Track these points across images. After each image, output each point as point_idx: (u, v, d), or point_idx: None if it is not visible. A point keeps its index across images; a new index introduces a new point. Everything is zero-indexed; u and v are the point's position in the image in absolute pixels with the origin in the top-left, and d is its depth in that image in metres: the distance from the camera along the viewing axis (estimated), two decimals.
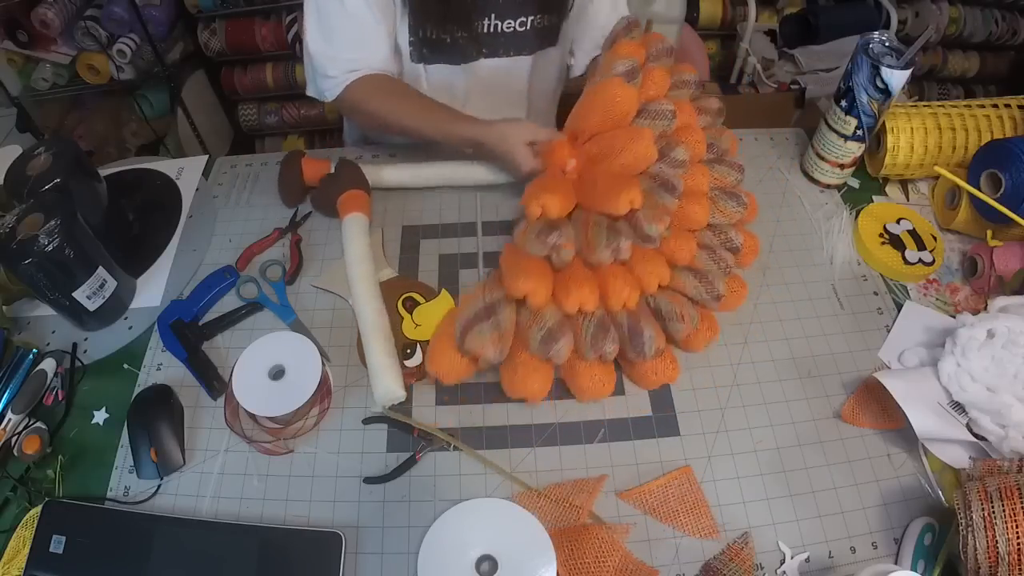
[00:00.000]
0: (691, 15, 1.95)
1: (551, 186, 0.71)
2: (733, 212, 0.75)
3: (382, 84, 0.86)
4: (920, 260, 0.80)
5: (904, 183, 0.91)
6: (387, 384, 0.66)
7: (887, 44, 0.78)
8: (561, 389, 0.69)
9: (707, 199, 0.74)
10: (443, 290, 0.76)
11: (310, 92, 0.90)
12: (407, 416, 0.68)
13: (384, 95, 0.85)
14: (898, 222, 0.84)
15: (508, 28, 0.88)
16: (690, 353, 0.72)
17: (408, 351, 0.71)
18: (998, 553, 0.52)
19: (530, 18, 0.88)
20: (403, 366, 0.70)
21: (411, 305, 0.75)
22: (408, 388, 0.70)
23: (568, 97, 0.97)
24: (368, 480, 0.64)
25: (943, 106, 0.87)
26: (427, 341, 0.71)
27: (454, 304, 0.75)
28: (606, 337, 0.64)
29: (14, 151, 0.84)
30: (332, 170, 0.86)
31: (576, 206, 0.73)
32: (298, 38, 1.99)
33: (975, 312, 0.71)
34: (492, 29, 0.88)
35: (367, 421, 0.68)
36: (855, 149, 0.84)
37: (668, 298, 0.69)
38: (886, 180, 0.91)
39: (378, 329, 0.70)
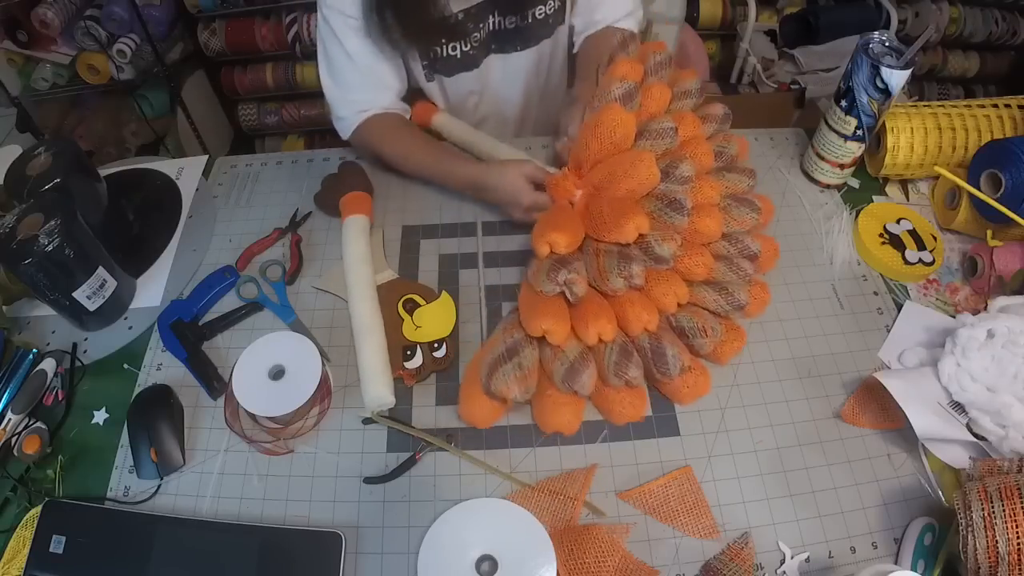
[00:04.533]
0: (691, 15, 1.95)
1: (558, 222, 0.70)
2: (748, 219, 0.74)
3: (389, 124, 0.88)
4: (920, 260, 0.80)
5: (904, 183, 0.91)
6: (376, 391, 0.66)
7: (887, 44, 0.78)
8: None
9: (718, 211, 0.73)
10: (443, 292, 0.76)
11: (336, 129, 0.92)
12: (405, 420, 0.68)
13: (391, 136, 0.88)
14: (898, 222, 0.84)
15: (511, 24, 0.89)
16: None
17: (408, 352, 0.71)
18: (998, 553, 0.52)
19: (531, 11, 0.88)
20: (403, 367, 0.70)
21: (411, 307, 0.75)
22: (409, 389, 0.70)
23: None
24: (368, 480, 0.64)
25: (943, 106, 0.87)
26: (427, 343, 0.71)
27: (454, 306, 0.75)
28: (629, 363, 0.64)
29: (14, 151, 0.85)
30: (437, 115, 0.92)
31: (586, 237, 0.72)
32: (298, 38, 1.99)
33: (975, 312, 0.71)
34: (497, 27, 0.89)
35: (367, 422, 0.68)
36: (855, 149, 0.84)
37: (690, 314, 0.69)
38: (886, 180, 0.91)
39: (370, 335, 0.70)
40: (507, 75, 0.96)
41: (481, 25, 0.87)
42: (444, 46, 0.88)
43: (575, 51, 0.99)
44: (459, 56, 0.89)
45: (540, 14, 0.89)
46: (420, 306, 0.75)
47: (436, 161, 0.85)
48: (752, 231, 0.76)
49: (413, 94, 0.97)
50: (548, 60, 0.98)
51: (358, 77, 0.85)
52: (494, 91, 0.98)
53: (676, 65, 0.86)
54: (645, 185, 0.71)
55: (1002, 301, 0.69)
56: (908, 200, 0.90)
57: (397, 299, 0.75)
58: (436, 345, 0.71)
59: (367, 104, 0.87)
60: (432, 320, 0.73)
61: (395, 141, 0.87)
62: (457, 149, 0.87)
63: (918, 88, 2.20)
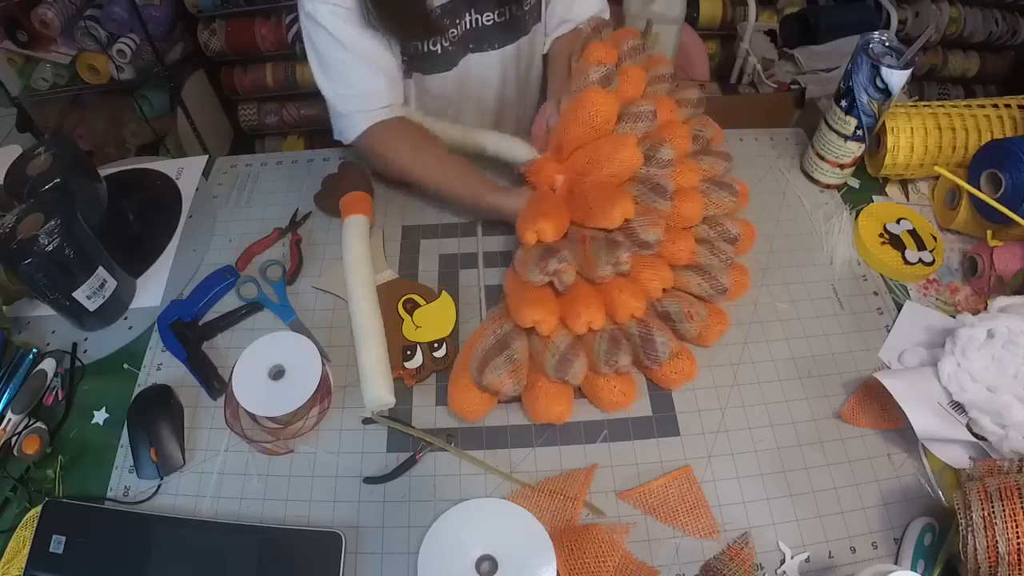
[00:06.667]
0: (691, 15, 1.95)
1: (544, 210, 0.70)
2: (727, 203, 0.75)
3: (407, 132, 0.84)
4: (920, 260, 0.80)
5: (904, 183, 0.91)
6: (376, 391, 0.66)
7: (887, 44, 0.78)
8: None
9: (699, 194, 0.74)
10: (443, 292, 0.76)
11: (336, 136, 0.88)
12: (405, 420, 0.68)
13: (410, 147, 0.83)
14: (898, 222, 0.84)
15: (488, 21, 0.88)
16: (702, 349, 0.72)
17: (408, 352, 0.71)
18: (998, 553, 0.52)
19: (508, 7, 0.88)
20: (403, 367, 0.70)
21: (411, 307, 0.75)
22: (409, 389, 0.70)
23: None
24: (368, 480, 0.64)
25: (943, 106, 0.87)
26: (427, 343, 0.71)
27: (454, 306, 0.75)
28: (619, 351, 0.64)
29: (14, 151, 0.84)
30: None
31: (570, 223, 0.72)
32: (298, 38, 1.99)
33: (975, 312, 0.71)
34: (474, 24, 0.88)
35: (367, 421, 0.68)
36: (855, 149, 0.84)
37: (675, 299, 0.69)
38: (886, 180, 0.91)
39: (370, 335, 0.70)
40: (484, 74, 0.94)
41: (458, 21, 0.86)
42: (424, 42, 0.85)
43: (545, 52, 0.99)
44: (439, 52, 0.87)
45: (517, 10, 0.89)
46: (420, 306, 0.75)
47: (465, 184, 0.81)
48: (730, 214, 0.77)
49: None
50: (524, 58, 0.97)
51: (356, 67, 0.81)
52: (472, 91, 0.96)
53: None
54: (628, 169, 0.72)
55: (1002, 301, 0.69)
56: (908, 200, 0.90)
57: (397, 299, 0.75)
58: (436, 345, 0.71)
59: (370, 98, 0.83)
60: (432, 320, 0.73)
61: (416, 152, 0.83)
62: (481, 175, 0.83)
63: (918, 88, 2.20)
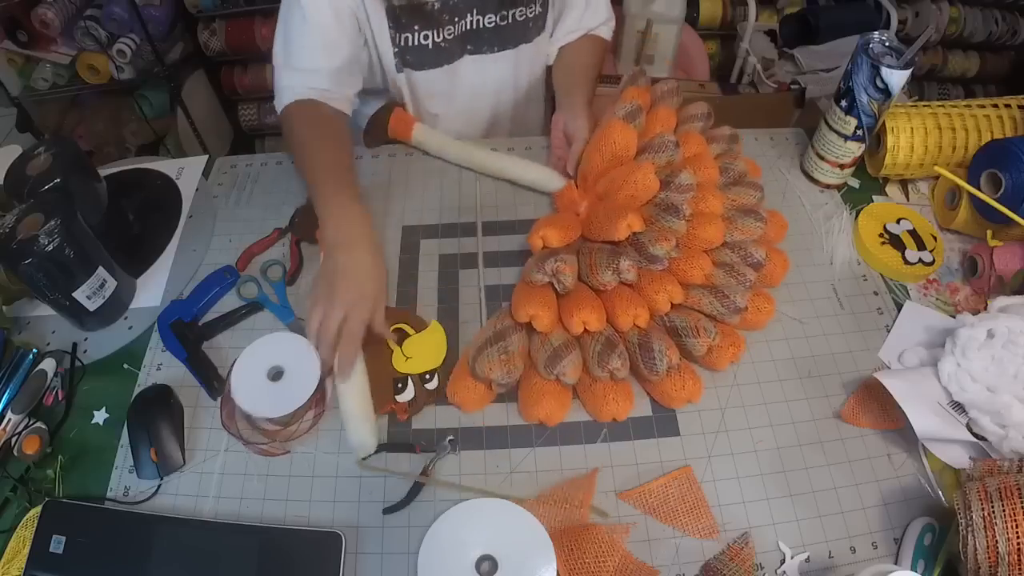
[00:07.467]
0: (691, 15, 1.95)
1: (552, 220, 0.74)
2: (753, 229, 0.74)
3: (310, 115, 0.81)
4: (920, 260, 0.80)
5: (904, 183, 0.91)
6: (360, 438, 0.64)
7: (887, 44, 0.78)
8: None
9: (721, 220, 0.74)
10: (433, 321, 0.74)
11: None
12: (404, 436, 0.68)
13: (304, 128, 0.80)
14: (898, 222, 0.84)
15: (489, 23, 0.87)
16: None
17: (399, 385, 0.68)
18: (998, 553, 0.52)
19: (511, 11, 0.87)
20: (395, 401, 0.67)
21: (401, 337, 0.72)
22: (407, 421, 0.68)
23: None
24: (387, 511, 0.62)
25: (943, 106, 0.87)
26: (418, 374, 0.69)
27: (444, 334, 0.72)
28: (612, 353, 0.64)
29: (14, 151, 0.84)
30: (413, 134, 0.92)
31: (583, 239, 0.75)
32: None
33: (975, 312, 0.71)
34: (475, 25, 0.87)
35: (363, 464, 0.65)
36: (855, 149, 0.84)
37: (683, 314, 0.69)
38: (886, 180, 0.91)
39: (351, 379, 0.65)
40: (481, 78, 0.93)
41: (458, 19, 0.85)
42: (416, 33, 0.85)
43: (550, 62, 0.98)
44: (430, 47, 0.86)
45: (521, 15, 0.88)
46: (409, 336, 0.72)
47: (315, 181, 0.76)
48: (759, 242, 0.75)
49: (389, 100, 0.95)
50: (524, 66, 0.96)
51: (311, 43, 0.80)
52: (466, 93, 0.94)
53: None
54: (644, 192, 0.73)
55: (1002, 301, 0.69)
56: (908, 200, 0.90)
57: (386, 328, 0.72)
58: (427, 376, 0.69)
59: (309, 77, 0.81)
60: (422, 350, 0.71)
61: (302, 139, 0.80)
62: (345, 169, 0.79)
63: (918, 88, 2.20)
